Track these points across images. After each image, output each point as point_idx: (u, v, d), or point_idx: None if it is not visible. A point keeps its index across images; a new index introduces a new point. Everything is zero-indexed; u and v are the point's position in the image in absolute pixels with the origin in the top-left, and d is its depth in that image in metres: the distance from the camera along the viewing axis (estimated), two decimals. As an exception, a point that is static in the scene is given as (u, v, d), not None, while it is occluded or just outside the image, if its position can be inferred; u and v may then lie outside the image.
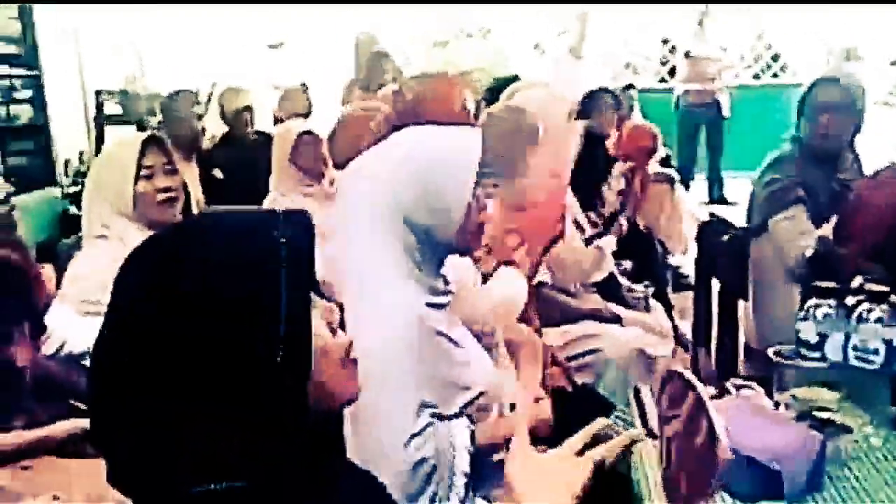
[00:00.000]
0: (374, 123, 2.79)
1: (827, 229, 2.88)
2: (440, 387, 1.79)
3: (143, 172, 2.55)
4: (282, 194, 3.68)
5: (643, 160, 4.30)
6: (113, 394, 0.98)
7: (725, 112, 8.22)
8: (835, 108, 3.01)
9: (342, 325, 1.12)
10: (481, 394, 1.88)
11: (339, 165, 2.86)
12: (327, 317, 1.07)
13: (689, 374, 1.26)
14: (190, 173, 4.42)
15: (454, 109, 2.54)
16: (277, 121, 5.56)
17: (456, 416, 1.84)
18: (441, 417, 1.81)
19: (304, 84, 5.79)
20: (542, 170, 2.77)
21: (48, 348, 2.28)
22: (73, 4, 5.79)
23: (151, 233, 1.11)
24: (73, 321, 2.35)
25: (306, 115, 5.54)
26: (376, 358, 1.69)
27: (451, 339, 1.83)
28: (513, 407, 2.07)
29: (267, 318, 0.97)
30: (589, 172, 3.90)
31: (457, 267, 2.00)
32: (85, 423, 1.95)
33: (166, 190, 2.57)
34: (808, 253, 2.89)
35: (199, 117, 4.86)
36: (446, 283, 1.89)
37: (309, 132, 3.74)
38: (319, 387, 1.03)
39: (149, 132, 2.68)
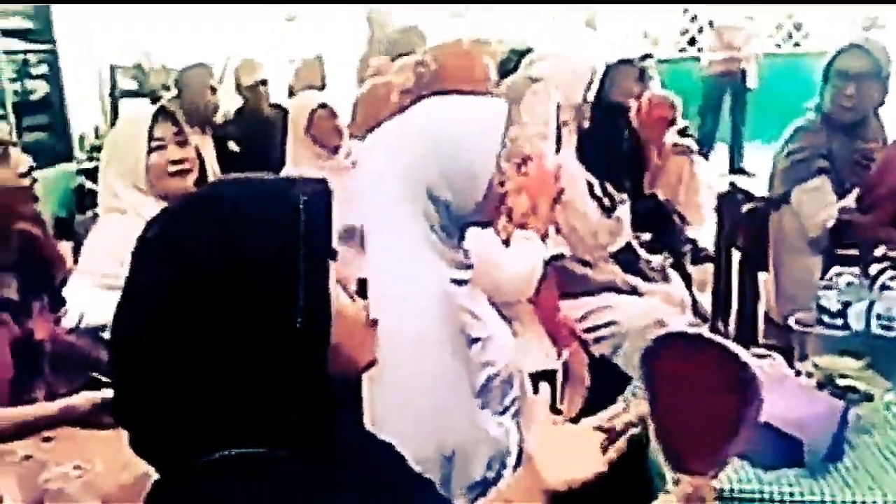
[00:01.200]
0: (396, 94, 2.77)
1: (850, 199, 2.85)
2: (466, 364, 1.79)
3: (155, 144, 2.54)
4: (297, 167, 3.67)
5: (662, 131, 4.26)
6: (134, 363, 0.98)
7: (751, 83, 8.11)
8: (860, 77, 2.96)
9: (361, 294, 1.11)
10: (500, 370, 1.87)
11: (361, 138, 2.85)
12: (344, 282, 1.07)
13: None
14: (205, 147, 4.41)
15: (476, 79, 2.52)
16: (293, 93, 5.54)
17: (504, 411, 1.84)
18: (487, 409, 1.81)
19: (320, 56, 5.76)
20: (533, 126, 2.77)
21: (68, 321, 2.29)
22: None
23: (165, 205, 1.11)
24: (92, 294, 2.35)
25: (321, 88, 5.52)
26: (407, 336, 1.69)
27: (473, 315, 1.82)
28: (535, 385, 2.06)
29: (286, 284, 0.97)
30: (609, 144, 3.88)
31: (479, 239, 1.98)
32: (105, 394, 1.96)
33: (178, 162, 2.56)
34: (830, 224, 2.86)
35: (213, 90, 4.84)
36: (467, 256, 1.87)
37: (325, 105, 3.73)
38: (338, 351, 1.03)
39: (159, 104, 2.67)
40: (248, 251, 0.97)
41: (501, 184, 1.84)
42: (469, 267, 1.86)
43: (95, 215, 2.78)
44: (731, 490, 1.63)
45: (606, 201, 3.56)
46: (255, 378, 0.97)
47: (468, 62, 2.57)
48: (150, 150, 2.54)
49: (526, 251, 2.37)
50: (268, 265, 0.97)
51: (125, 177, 2.56)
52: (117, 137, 2.70)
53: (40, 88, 5.58)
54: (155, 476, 1.03)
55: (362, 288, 1.12)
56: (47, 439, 1.97)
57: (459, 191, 1.75)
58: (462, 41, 2.94)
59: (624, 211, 3.49)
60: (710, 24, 8.28)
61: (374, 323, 1.11)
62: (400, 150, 1.79)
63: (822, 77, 3.08)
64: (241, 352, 0.96)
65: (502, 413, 1.85)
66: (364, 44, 6.15)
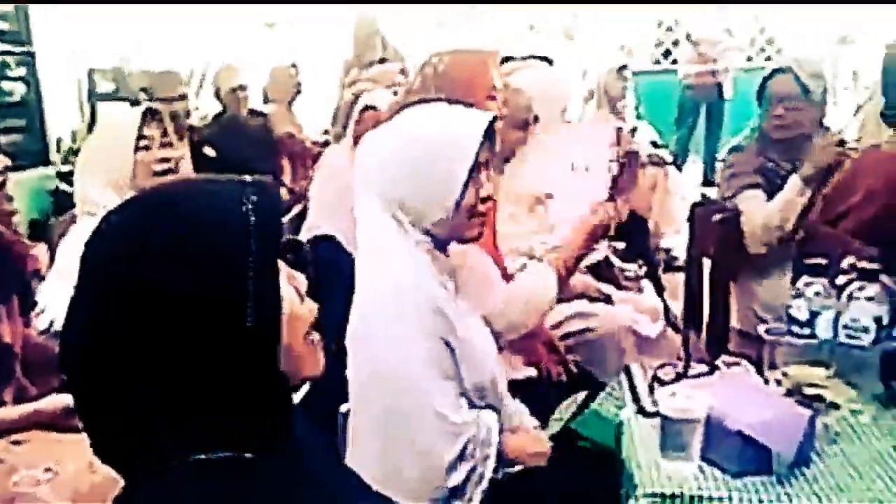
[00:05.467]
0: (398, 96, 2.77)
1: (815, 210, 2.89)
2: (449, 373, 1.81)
3: (142, 143, 2.54)
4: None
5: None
6: (84, 365, 0.97)
7: (727, 94, 8.19)
8: (789, 98, 3.06)
9: (312, 295, 1.12)
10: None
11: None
12: (292, 283, 1.07)
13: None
14: (183, 153, 4.40)
15: (483, 86, 2.53)
16: (267, 100, 5.54)
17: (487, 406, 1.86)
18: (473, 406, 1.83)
19: (294, 64, 5.76)
20: None
21: (41, 323, 2.28)
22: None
23: None
24: (66, 297, 2.34)
25: (296, 94, 5.52)
26: (394, 350, 1.73)
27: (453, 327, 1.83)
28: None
29: (235, 284, 0.97)
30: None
31: (459, 254, 1.99)
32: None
33: (164, 160, 2.56)
34: (775, 224, 2.94)
35: (184, 97, 4.82)
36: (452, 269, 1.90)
37: (373, 106, 3.72)
38: (286, 356, 1.03)
39: (146, 105, 2.67)
40: (197, 250, 0.97)
41: (483, 200, 1.84)
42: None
43: (72, 218, 2.77)
44: (700, 497, 1.64)
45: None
46: (207, 378, 0.96)
47: (476, 69, 2.56)
48: (138, 149, 2.54)
49: (538, 279, 2.23)
50: (217, 264, 0.97)
51: (107, 175, 2.55)
52: (100, 136, 2.70)
53: (17, 90, 5.54)
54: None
55: (311, 289, 1.12)
56: (17, 442, 1.96)
57: (426, 200, 1.76)
58: (478, 50, 2.92)
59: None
60: (688, 36, 8.35)
61: (318, 341, 1.10)
62: (379, 157, 1.81)
63: (756, 98, 3.20)
64: (193, 351, 0.95)
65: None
66: (348, 49, 6.15)
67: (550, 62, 3.97)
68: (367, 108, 3.70)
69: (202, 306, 0.95)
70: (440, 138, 1.78)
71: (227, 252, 0.98)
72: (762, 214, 2.99)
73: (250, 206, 1.00)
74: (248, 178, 1.07)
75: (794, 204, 2.90)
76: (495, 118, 1.85)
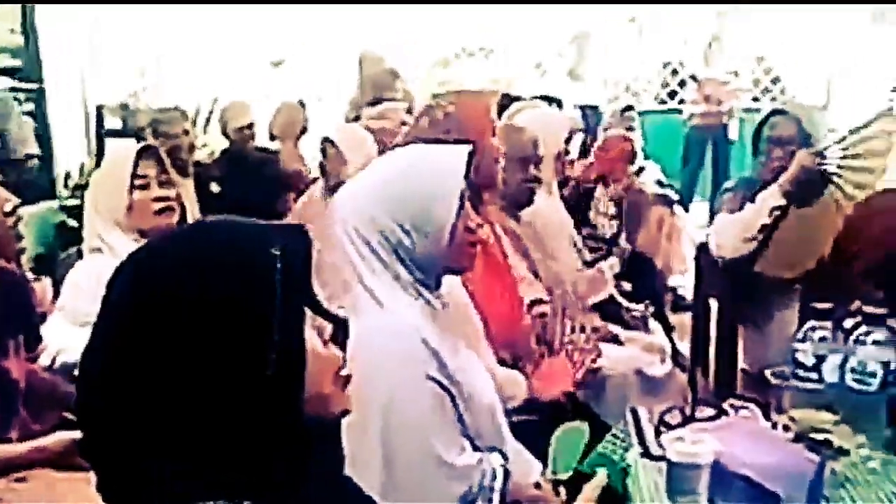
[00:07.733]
0: (402, 136, 2.81)
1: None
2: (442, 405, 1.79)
3: (138, 182, 2.54)
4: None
5: (623, 166, 4.31)
6: (100, 405, 0.96)
7: (732, 135, 8.22)
8: (790, 141, 3.07)
9: (336, 341, 1.11)
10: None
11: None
12: (319, 328, 1.07)
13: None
14: (186, 189, 4.40)
15: (487, 124, 2.56)
16: (273, 137, 5.56)
17: (492, 448, 1.85)
18: (477, 448, 1.82)
19: (301, 101, 5.80)
20: None
21: (44, 359, 2.28)
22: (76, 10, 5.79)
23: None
24: (70, 332, 2.34)
25: (302, 132, 5.55)
26: (390, 384, 1.71)
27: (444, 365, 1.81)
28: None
29: (260, 330, 0.96)
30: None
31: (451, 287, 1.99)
32: (78, 434, 1.94)
33: (162, 199, 2.56)
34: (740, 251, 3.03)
35: (186, 133, 4.82)
36: (444, 305, 1.89)
37: (331, 140, 3.80)
38: (315, 399, 1.02)
39: (143, 143, 2.68)
40: (222, 295, 0.96)
41: (470, 230, 1.87)
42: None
43: (78, 253, 2.77)
44: (707, 542, 1.63)
45: (587, 252, 3.60)
46: (227, 423, 0.95)
47: (480, 108, 2.60)
48: (133, 188, 2.54)
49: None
50: (242, 310, 0.96)
51: (107, 214, 2.56)
52: (102, 177, 2.71)
53: (27, 126, 5.57)
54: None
55: (336, 335, 1.12)
56: (20, 479, 1.95)
57: (421, 235, 1.77)
58: (479, 90, 3.02)
59: (609, 263, 3.52)
60: (693, 77, 8.40)
61: (347, 378, 1.10)
62: (364, 195, 1.82)
63: (752, 144, 3.22)
64: (213, 395, 0.94)
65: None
66: (353, 86, 6.19)
67: (559, 103, 4.01)
68: (326, 140, 3.76)
69: (223, 351, 0.94)
70: (423, 175, 1.81)
71: (252, 298, 0.97)
72: (730, 219, 3.03)
73: (277, 253, 0.99)
74: (277, 223, 1.07)
75: (764, 209, 2.96)
76: (474, 150, 1.87)
